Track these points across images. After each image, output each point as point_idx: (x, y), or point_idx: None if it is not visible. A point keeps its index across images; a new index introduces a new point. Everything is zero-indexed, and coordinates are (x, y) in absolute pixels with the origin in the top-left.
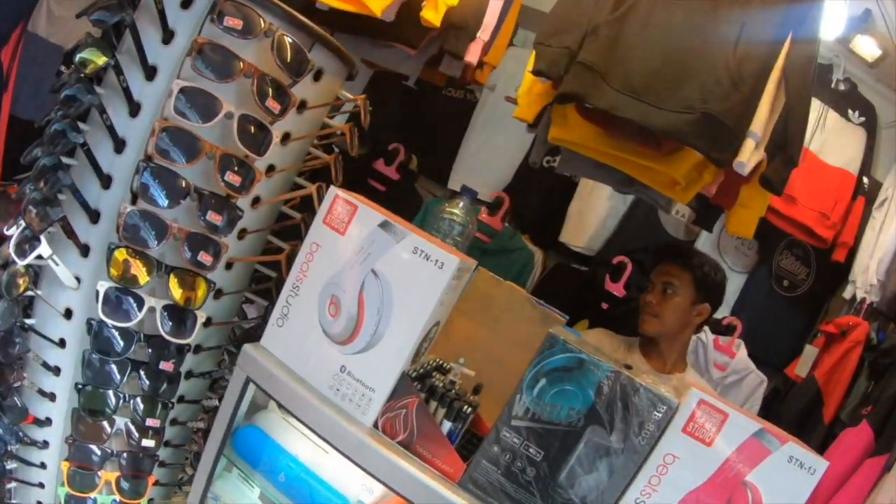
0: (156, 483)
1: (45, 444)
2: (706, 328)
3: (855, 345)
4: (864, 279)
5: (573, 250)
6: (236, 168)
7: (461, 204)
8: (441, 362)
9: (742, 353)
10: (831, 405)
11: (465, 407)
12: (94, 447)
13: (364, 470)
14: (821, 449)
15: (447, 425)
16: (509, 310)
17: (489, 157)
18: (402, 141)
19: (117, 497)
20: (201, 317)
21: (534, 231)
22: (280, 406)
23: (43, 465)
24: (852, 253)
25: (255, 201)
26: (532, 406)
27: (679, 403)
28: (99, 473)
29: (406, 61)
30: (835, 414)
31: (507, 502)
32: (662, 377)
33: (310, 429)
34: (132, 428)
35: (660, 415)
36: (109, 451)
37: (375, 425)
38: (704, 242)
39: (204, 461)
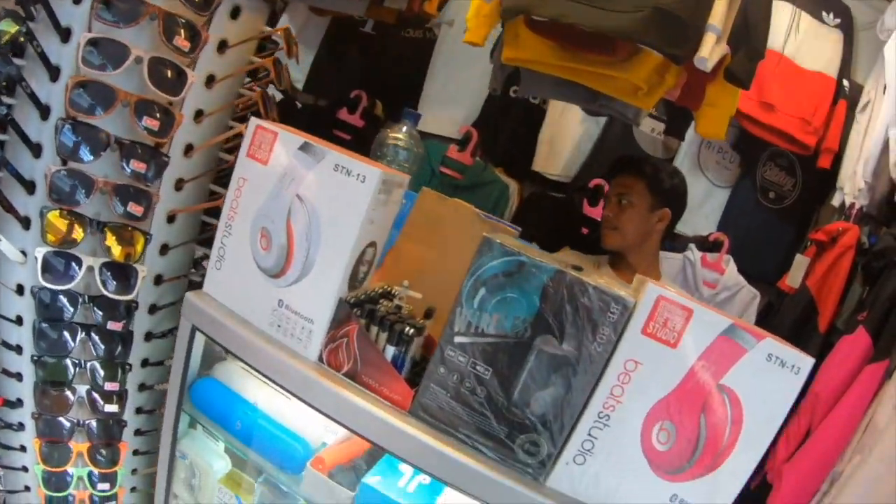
0: (136, 453)
1: (21, 427)
2: (692, 246)
3: (846, 250)
4: (852, 184)
5: (549, 179)
6: (156, 114)
7: (404, 128)
8: (388, 289)
9: (731, 268)
10: (826, 314)
11: (407, 329)
12: (60, 420)
13: (310, 406)
14: (818, 359)
15: (391, 350)
16: (458, 228)
17: (454, 93)
18: (366, 88)
19: (93, 468)
20: (142, 271)
21: (507, 163)
22: (228, 351)
23: (23, 448)
24: (838, 159)
25: (188, 149)
26: (474, 319)
27: (636, 302)
28: (70, 445)
29: (351, 1)
30: (830, 322)
31: (461, 427)
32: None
33: (255, 370)
34: (94, 394)
35: (615, 316)
36: (76, 421)
37: (320, 359)
38: (683, 160)
39: (166, 419)
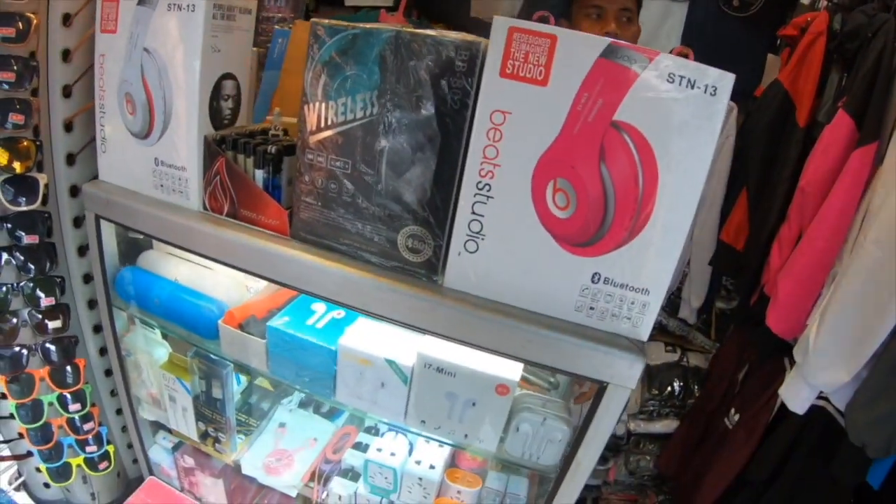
0: (109, 373)
1: None
2: None
3: (816, 37)
4: None
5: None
6: (16, 21)
7: None
8: (265, 126)
9: None
10: (804, 107)
11: (269, 147)
12: (14, 349)
13: (198, 254)
14: (801, 156)
15: (260, 175)
16: None
17: None
18: None
19: (60, 391)
20: (42, 178)
21: (444, 19)
22: (127, 228)
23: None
24: None
25: (67, 54)
26: (322, 112)
27: (484, 44)
28: (30, 373)
29: None
30: (810, 115)
31: (343, 238)
32: None
33: (149, 236)
34: (35, 314)
35: (464, 64)
36: (29, 346)
37: (204, 207)
38: None
39: (101, 314)
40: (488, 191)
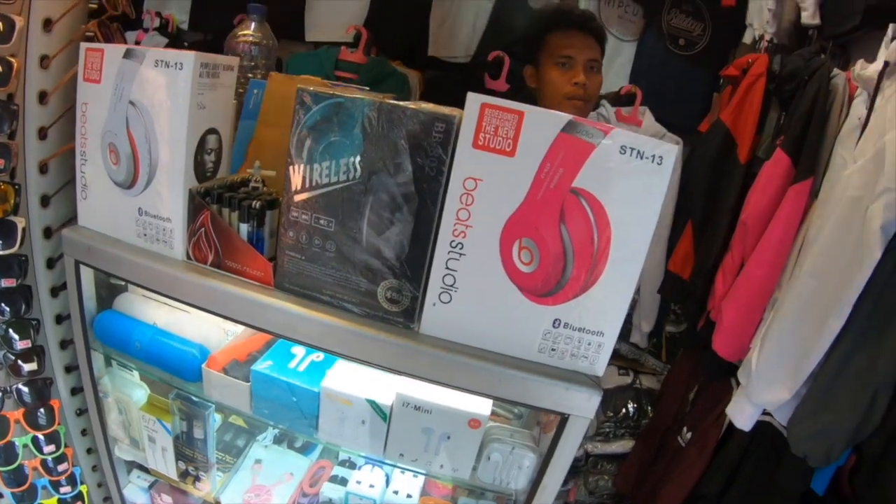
0: (80, 413)
1: None
2: (604, 102)
3: (757, 78)
4: (761, 19)
5: (449, 62)
6: None
7: (252, 24)
8: (244, 177)
9: (649, 118)
10: (744, 144)
11: (254, 202)
12: None
13: (184, 302)
14: (742, 191)
15: (244, 228)
16: None
17: None
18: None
19: (34, 433)
20: (20, 222)
21: (404, 55)
22: (108, 275)
23: None
24: None
25: (43, 97)
26: (307, 173)
27: (459, 116)
28: (5, 415)
29: None
30: (751, 152)
31: (325, 289)
32: None
33: (133, 283)
34: (10, 356)
35: (440, 134)
36: (3, 388)
37: (188, 256)
38: None
39: (79, 357)
40: (461, 248)
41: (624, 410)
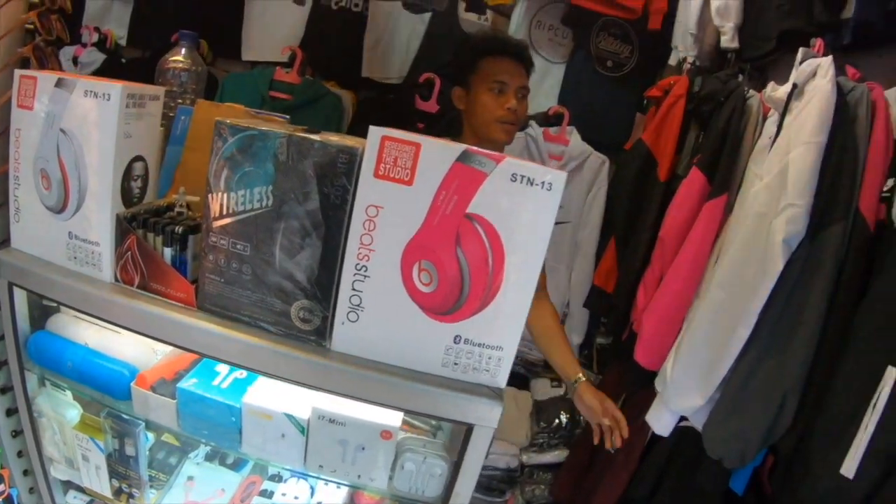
0: (21, 454)
1: None
2: (532, 123)
3: (677, 99)
4: (686, 42)
5: (382, 83)
6: None
7: (182, 51)
8: (169, 202)
9: (575, 138)
10: (664, 163)
11: (177, 228)
12: None
13: (112, 323)
14: (662, 208)
15: (168, 252)
16: None
17: (274, 18)
18: (188, 29)
19: None
20: None
21: (337, 75)
22: (41, 297)
23: None
24: (671, 20)
25: None
26: (224, 201)
27: (361, 148)
28: None
29: None
30: (670, 171)
31: (244, 310)
32: None
33: (62, 304)
34: None
35: (345, 165)
36: None
37: (116, 279)
38: None
39: (13, 379)
40: (365, 271)
41: (557, 421)
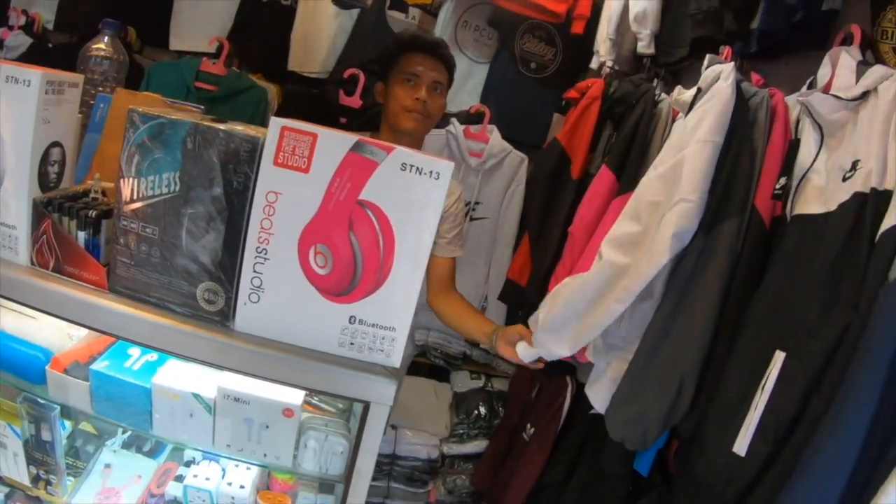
0: None
1: None
2: (453, 120)
3: (592, 101)
4: (606, 47)
5: (308, 77)
6: None
7: (105, 38)
8: (85, 188)
9: (496, 136)
10: (577, 162)
11: (90, 212)
12: None
13: (28, 305)
14: (574, 204)
15: (82, 236)
16: None
17: (202, 8)
18: (117, 17)
19: None
20: None
21: (264, 68)
22: None
23: None
24: (594, 25)
25: None
26: (135, 186)
27: (262, 137)
28: None
29: None
30: (583, 169)
31: (153, 292)
32: None
33: None
34: None
35: (247, 154)
36: None
37: (32, 262)
38: None
39: None
40: (265, 254)
41: (476, 412)
